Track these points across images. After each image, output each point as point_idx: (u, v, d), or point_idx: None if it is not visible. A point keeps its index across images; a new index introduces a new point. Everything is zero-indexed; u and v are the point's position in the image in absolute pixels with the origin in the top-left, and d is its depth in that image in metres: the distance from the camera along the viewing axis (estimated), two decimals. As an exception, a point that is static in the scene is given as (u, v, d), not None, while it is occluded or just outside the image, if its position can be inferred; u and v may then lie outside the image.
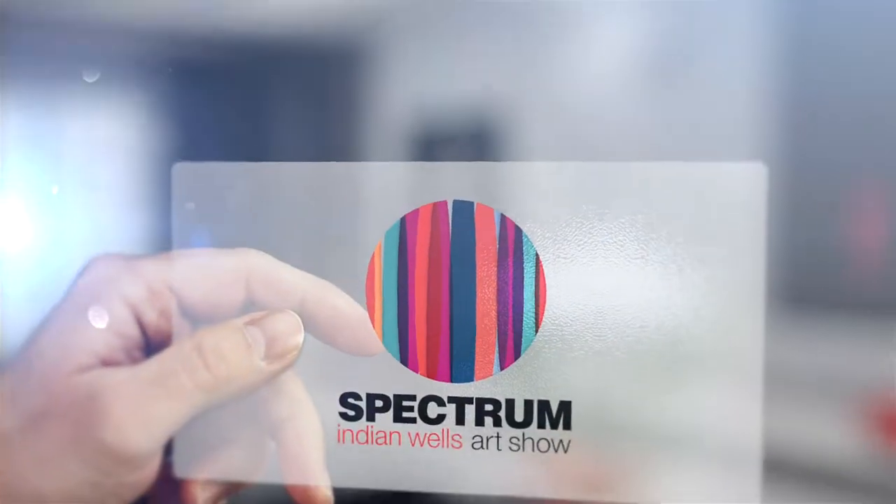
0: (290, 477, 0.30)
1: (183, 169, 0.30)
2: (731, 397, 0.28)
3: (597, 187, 0.29)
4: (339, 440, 0.30)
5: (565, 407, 0.29)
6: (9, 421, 0.31)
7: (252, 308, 0.30)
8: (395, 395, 0.30)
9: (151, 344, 0.31)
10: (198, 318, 0.31)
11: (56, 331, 0.31)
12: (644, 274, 0.28)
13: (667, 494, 0.29)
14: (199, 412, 0.30)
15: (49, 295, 0.32)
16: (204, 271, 0.31)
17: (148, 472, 0.31)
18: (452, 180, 0.30)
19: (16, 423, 0.31)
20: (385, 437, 0.30)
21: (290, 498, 0.30)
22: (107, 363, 0.31)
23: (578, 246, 0.29)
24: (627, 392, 0.29)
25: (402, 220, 0.30)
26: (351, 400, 0.30)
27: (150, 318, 0.31)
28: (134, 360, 0.31)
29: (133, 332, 0.31)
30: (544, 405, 0.29)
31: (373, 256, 0.30)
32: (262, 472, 0.31)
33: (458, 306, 0.29)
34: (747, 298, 0.28)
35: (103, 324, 0.31)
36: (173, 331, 0.31)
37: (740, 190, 0.28)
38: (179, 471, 0.31)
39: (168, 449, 0.31)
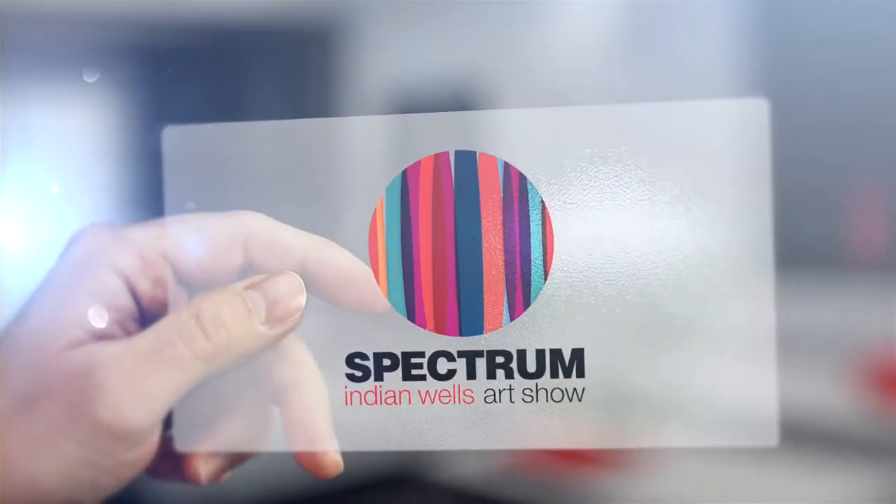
0: (296, 444, 0.29)
1: (174, 132, 0.30)
2: (745, 334, 0.28)
3: (598, 130, 0.28)
4: (346, 402, 0.29)
5: (578, 354, 0.28)
6: None
7: (251, 272, 0.29)
8: (402, 353, 0.29)
9: (146, 314, 0.30)
10: (194, 286, 0.30)
11: (44, 307, 0.30)
12: (651, 215, 0.28)
13: (684, 438, 0.29)
14: (199, 383, 0.29)
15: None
16: (199, 237, 0.30)
17: (147, 449, 0.29)
18: (451, 131, 0.29)
19: (4, 405, 0.30)
20: (394, 396, 0.29)
21: (298, 466, 0.30)
22: (100, 337, 0.30)
23: (584, 190, 0.28)
24: (640, 335, 0.28)
25: (403, 173, 0.29)
26: (357, 360, 0.29)
27: (144, 287, 0.30)
28: (129, 333, 0.30)
29: (126, 303, 0.30)
30: (556, 354, 0.29)
31: (374, 212, 0.29)
32: (267, 442, 0.30)
33: (465, 258, 0.29)
34: (755, 234, 0.28)
35: (94, 297, 0.30)
36: (169, 300, 0.30)
37: (743, 126, 0.28)
38: (180, 445, 0.30)
39: (167, 423, 0.30)
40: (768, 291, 0.28)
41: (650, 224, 0.28)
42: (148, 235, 0.30)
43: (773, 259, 0.28)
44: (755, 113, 0.28)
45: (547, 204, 0.28)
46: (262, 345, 0.29)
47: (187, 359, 0.28)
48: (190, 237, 0.30)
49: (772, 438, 0.28)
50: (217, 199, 0.30)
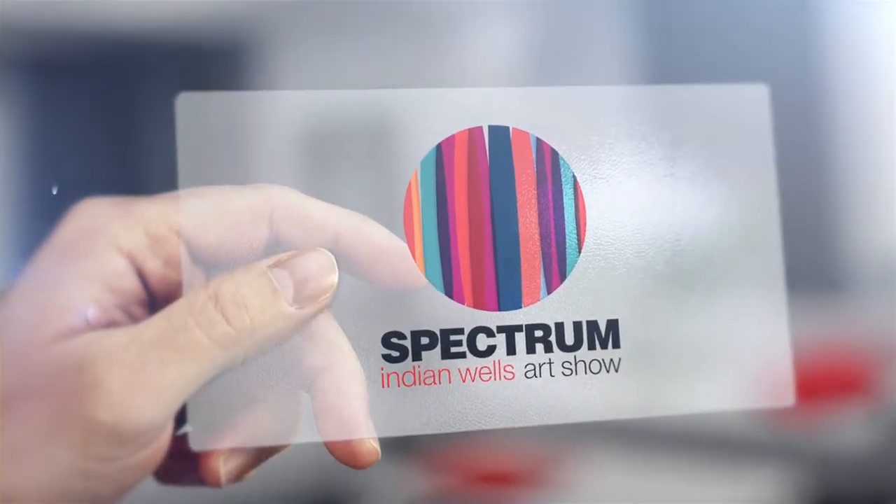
0: (329, 433, 0.27)
1: (189, 100, 0.27)
2: (759, 298, 0.30)
3: (622, 110, 0.30)
4: (383, 385, 0.28)
5: (613, 325, 0.29)
6: None
7: (277, 249, 0.27)
8: (441, 331, 0.28)
9: (156, 298, 0.27)
10: (213, 265, 0.27)
11: (32, 290, 0.26)
12: (674, 189, 0.30)
13: (707, 401, 0.30)
14: (218, 372, 0.26)
15: None
16: (218, 211, 0.27)
17: (155, 451, 0.26)
18: (480, 107, 0.29)
19: None
20: (433, 376, 0.28)
21: (331, 457, 0.27)
22: (99, 325, 0.26)
23: (612, 166, 0.29)
24: (668, 304, 0.30)
25: (438, 147, 0.29)
26: (394, 340, 0.28)
27: (153, 267, 0.27)
28: (134, 319, 0.27)
29: (132, 285, 0.27)
30: (593, 326, 0.29)
31: (409, 186, 0.28)
32: (296, 433, 0.28)
33: (501, 232, 0.29)
34: (763, 204, 0.30)
35: (93, 279, 0.26)
36: (183, 281, 0.27)
37: (747, 108, 0.30)
38: (196, 443, 0.27)
39: (179, 419, 0.27)
40: (777, 251, 0.30)
41: (673, 198, 0.30)
42: (158, 209, 0.27)
43: (779, 228, 0.30)
44: (757, 97, 0.30)
45: (578, 179, 0.29)
46: (291, 327, 0.27)
47: (205, 346, 0.26)
48: (208, 212, 0.27)
49: (788, 398, 0.30)
50: (239, 172, 0.28)
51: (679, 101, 0.30)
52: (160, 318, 0.26)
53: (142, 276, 0.27)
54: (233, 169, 0.28)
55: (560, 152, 0.29)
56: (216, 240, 0.27)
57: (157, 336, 0.26)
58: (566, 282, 0.29)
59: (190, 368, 0.26)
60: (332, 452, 0.27)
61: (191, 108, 0.27)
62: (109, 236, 0.27)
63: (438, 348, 0.28)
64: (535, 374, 0.28)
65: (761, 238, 0.30)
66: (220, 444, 0.27)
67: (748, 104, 0.30)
